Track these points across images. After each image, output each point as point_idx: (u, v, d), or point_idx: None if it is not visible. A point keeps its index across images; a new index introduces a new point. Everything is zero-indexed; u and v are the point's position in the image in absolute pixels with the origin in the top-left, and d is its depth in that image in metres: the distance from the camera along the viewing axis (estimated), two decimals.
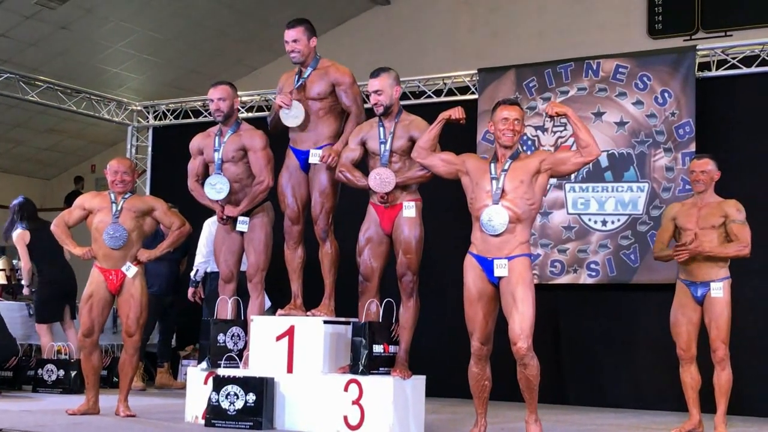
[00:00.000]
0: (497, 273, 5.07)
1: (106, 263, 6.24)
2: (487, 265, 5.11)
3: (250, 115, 9.76)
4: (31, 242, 8.33)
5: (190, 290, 8.57)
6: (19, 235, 8.37)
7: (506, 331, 5.06)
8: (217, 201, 6.13)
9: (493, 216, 5.08)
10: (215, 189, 6.10)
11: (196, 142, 6.32)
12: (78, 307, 8.21)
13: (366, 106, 6.01)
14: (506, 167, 5.15)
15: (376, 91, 5.59)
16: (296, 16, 6.03)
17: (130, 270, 6.24)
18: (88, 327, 6.24)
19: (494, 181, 5.13)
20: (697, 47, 8.12)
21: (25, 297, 8.86)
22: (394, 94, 5.61)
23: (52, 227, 6.46)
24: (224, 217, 6.13)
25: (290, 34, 5.90)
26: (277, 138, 6.19)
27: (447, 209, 7.28)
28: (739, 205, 5.97)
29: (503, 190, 5.10)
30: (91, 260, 6.32)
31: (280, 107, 5.87)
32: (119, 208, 6.25)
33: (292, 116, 5.90)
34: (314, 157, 5.86)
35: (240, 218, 6.13)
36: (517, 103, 5.37)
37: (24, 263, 8.43)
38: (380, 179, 5.56)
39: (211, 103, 6.19)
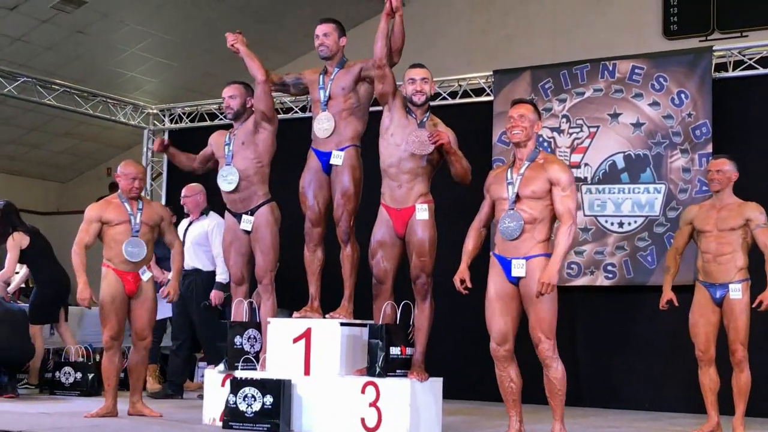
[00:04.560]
0: (515, 273, 5.07)
1: (123, 267, 6.32)
2: (506, 264, 5.12)
3: None
4: (29, 245, 8.12)
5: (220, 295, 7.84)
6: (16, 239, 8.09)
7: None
8: (228, 192, 6.22)
9: (507, 221, 5.09)
10: (226, 180, 6.23)
11: (213, 137, 6.51)
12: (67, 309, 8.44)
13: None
14: (522, 171, 5.14)
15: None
16: (311, 19, 6.08)
17: (146, 274, 6.40)
18: (117, 330, 6.34)
19: (510, 186, 5.14)
20: (714, 48, 8.08)
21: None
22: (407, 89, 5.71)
23: (73, 255, 6.29)
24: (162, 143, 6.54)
25: (321, 29, 6.04)
26: (299, 139, 6.19)
27: (461, 210, 7.24)
28: (761, 207, 5.94)
29: (518, 195, 5.10)
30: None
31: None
32: (138, 221, 6.33)
33: (323, 129, 5.91)
34: (336, 159, 5.86)
35: (244, 216, 6.19)
36: (523, 101, 5.37)
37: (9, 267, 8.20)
38: (418, 141, 5.54)
39: (224, 101, 6.37)
